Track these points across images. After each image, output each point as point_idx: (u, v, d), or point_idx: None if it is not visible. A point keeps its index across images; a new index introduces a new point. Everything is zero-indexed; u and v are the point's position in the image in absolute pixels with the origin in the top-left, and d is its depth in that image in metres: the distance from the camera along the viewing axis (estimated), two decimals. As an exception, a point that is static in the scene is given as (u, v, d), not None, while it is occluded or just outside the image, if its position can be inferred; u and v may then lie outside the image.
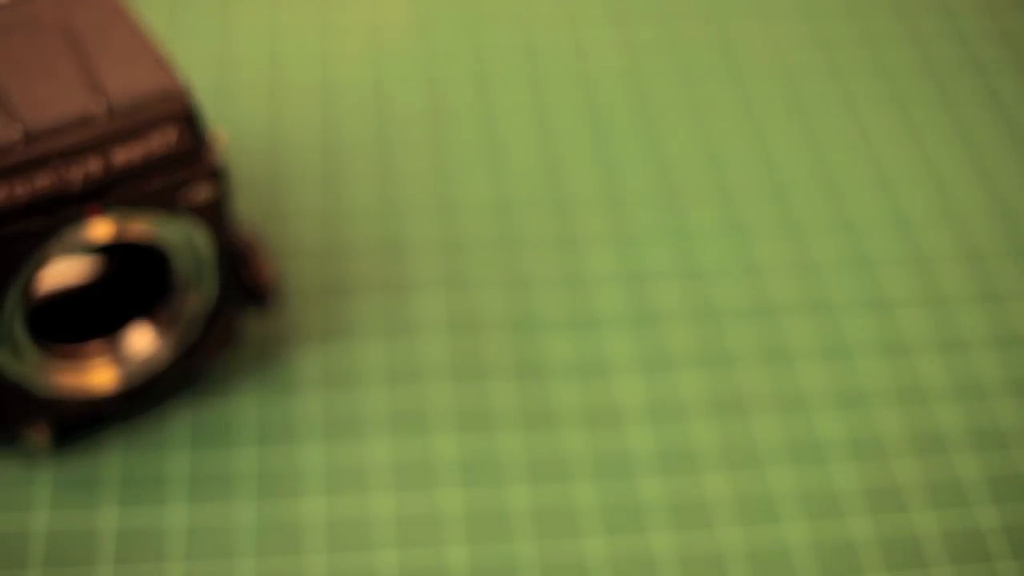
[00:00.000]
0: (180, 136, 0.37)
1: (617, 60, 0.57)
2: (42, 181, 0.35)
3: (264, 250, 0.45)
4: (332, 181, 0.51)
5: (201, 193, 0.39)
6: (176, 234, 0.39)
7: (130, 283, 0.42)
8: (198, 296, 0.41)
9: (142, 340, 0.42)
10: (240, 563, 0.40)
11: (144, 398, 0.43)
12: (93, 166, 0.36)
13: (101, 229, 0.37)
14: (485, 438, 0.44)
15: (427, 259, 0.49)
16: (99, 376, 0.41)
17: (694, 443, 0.44)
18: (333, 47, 0.56)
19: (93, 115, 0.36)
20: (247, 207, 0.49)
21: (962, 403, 0.46)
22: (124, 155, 0.36)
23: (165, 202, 0.38)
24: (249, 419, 0.44)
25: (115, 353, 0.41)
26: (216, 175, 0.39)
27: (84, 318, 0.42)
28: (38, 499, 0.41)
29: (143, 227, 0.38)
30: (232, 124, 0.52)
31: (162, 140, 0.37)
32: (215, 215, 0.40)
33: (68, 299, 0.42)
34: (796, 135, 0.54)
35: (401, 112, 0.54)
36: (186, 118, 0.37)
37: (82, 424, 0.43)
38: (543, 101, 0.55)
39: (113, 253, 0.42)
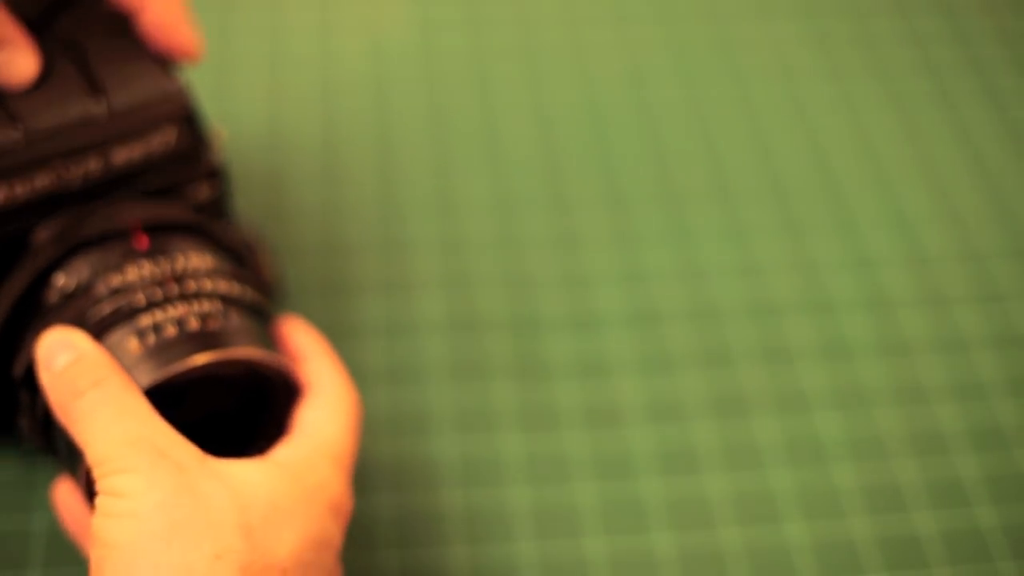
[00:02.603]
0: (179, 136, 0.37)
1: (617, 60, 0.57)
2: (42, 181, 0.35)
3: (264, 249, 0.45)
4: (332, 180, 0.51)
5: (201, 192, 0.39)
6: None
7: None
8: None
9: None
10: (240, 563, 0.40)
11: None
12: (93, 166, 0.36)
13: None
14: (485, 438, 0.44)
15: (427, 258, 0.49)
16: None
17: (694, 443, 0.44)
18: (333, 47, 0.56)
19: (93, 115, 0.36)
20: (247, 206, 0.49)
21: (962, 403, 0.46)
22: (124, 155, 0.36)
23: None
24: (249, 419, 0.44)
25: None
26: (216, 174, 0.39)
27: None
28: (38, 499, 0.41)
29: None
30: (232, 124, 0.52)
31: (161, 140, 0.37)
32: (215, 214, 0.40)
33: None
34: (796, 135, 0.54)
35: (401, 112, 0.54)
36: (185, 118, 0.37)
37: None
38: (543, 101, 0.55)
39: None
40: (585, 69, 0.56)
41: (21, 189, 0.35)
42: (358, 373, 0.45)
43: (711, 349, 0.47)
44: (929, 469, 0.44)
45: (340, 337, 0.46)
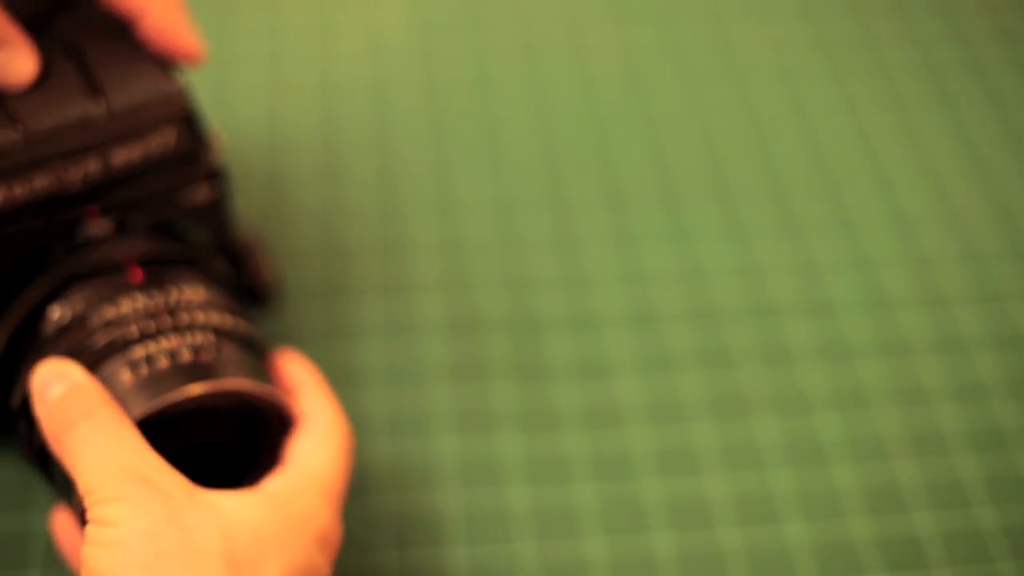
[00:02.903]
0: (179, 137, 0.37)
1: (617, 60, 0.57)
2: (41, 182, 0.36)
3: (264, 250, 0.45)
4: (332, 181, 0.51)
5: (200, 194, 0.39)
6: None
7: None
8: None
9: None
10: (240, 563, 0.40)
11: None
12: (92, 167, 0.36)
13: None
14: (485, 438, 0.44)
15: (427, 259, 0.49)
16: None
17: (694, 443, 0.44)
18: (333, 47, 0.56)
19: (92, 116, 0.36)
20: (247, 207, 0.50)
21: (962, 403, 0.46)
22: (123, 156, 0.37)
23: (164, 203, 0.38)
24: (249, 419, 0.44)
25: None
26: (215, 176, 0.39)
27: None
28: (38, 499, 0.41)
29: None
30: (232, 124, 0.52)
31: (161, 141, 0.37)
32: (214, 215, 0.40)
33: None
34: (796, 135, 0.54)
35: (401, 112, 0.54)
36: (185, 119, 0.37)
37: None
38: (543, 101, 0.55)
39: None
40: (585, 69, 0.56)
41: (20, 190, 0.35)
42: (358, 374, 0.45)
43: (711, 349, 0.47)
44: (929, 469, 0.44)
45: (340, 338, 0.46)
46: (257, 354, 0.37)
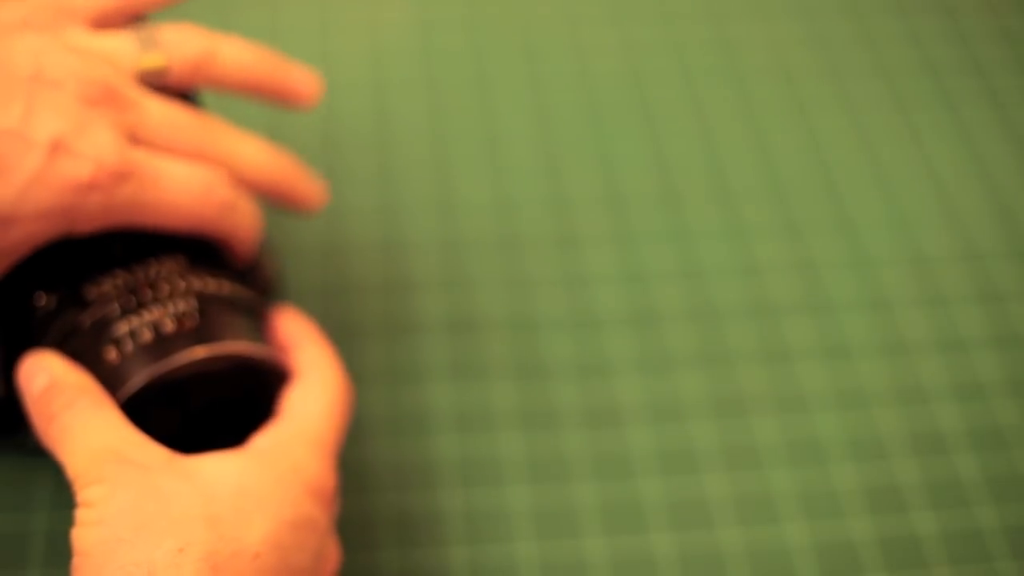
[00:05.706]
0: None
1: (617, 60, 0.57)
2: None
3: (264, 248, 0.45)
4: (332, 181, 0.51)
5: None
6: None
7: None
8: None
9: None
10: (240, 563, 0.40)
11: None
12: None
13: None
14: (485, 438, 0.44)
15: (427, 259, 0.49)
16: None
17: (694, 443, 0.44)
18: (333, 47, 0.56)
19: None
20: (247, 207, 0.49)
21: (962, 403, 0.46)
22: None
23: None
24: (249, 419, 0.44)
25: None
26: None
27: None
28: (38, 499, 0.41)
29: None
30: (232, 123, 0.52)
31: None
32: None
33: None
34: (796, 135, 0.54)
35: (401, 112, 0.54)
36: None
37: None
38: (543, 101, 0.55)
39: None
40: (585, 69, 0.56)
41: None
42: (358, 373, 0.45)
43: (711, 349, 0.47)
44: (929, 469, 0.44)
45: (340, 337, 0.46)
46: (249, 313, 0.37)
